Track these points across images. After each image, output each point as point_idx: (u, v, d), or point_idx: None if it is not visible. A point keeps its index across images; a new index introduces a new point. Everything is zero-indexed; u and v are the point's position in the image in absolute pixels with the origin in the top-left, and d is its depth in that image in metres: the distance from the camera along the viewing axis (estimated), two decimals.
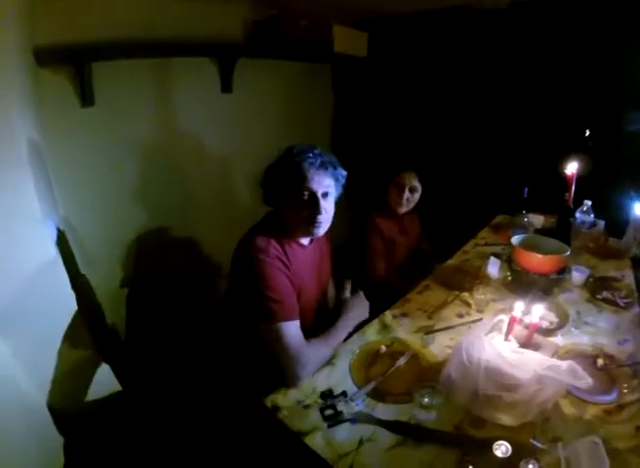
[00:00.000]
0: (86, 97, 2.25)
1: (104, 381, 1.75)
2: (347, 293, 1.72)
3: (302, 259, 1.55)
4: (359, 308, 1.65)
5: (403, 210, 2.24)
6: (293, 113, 3.48)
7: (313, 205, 1.46)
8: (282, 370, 1.36)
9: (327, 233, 1.61)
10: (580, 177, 2.23)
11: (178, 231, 2.85)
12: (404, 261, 2.33)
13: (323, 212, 1.47)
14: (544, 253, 1.90)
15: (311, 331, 1.48)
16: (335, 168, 1.52)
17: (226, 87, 2.91)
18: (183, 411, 2.08)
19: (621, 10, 2.63)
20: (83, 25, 2.13)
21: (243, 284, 1.44)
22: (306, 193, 1.45)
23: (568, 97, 3.03)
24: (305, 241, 1.59)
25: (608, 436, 1.18)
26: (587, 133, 3.12)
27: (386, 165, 2.31)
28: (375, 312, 1.73)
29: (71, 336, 1.58)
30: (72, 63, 2.15)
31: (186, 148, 2.82)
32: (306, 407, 1.27)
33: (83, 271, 1.99)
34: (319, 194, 1.47)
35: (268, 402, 1.29)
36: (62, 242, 1.78)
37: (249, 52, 2.87)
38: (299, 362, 1.35)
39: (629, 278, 2.09)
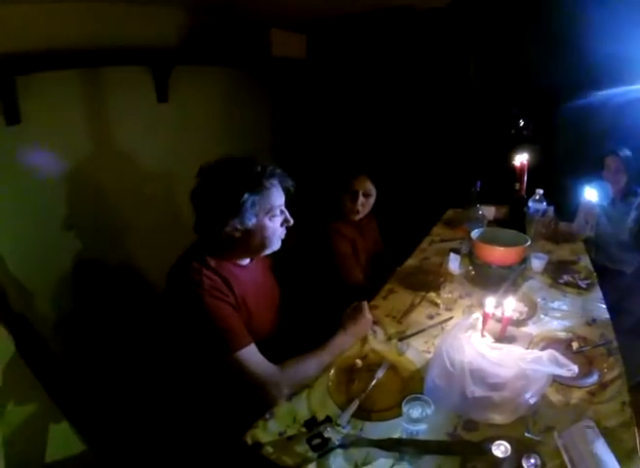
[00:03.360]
0: (11, 114, 2.12)
1: (65, 441, 1.60)
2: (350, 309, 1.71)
3: (244, 280, 1.53)
4: (359, 325, 1.65)
5: (359, 216, 2.29)
6: (233, 121, 3.48)
7: (284, 222, 1.52)
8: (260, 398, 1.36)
9: None
10: (529, 167, 2.39)
11: (118, 256, 2.72)
12: (366, 264, 2.38)
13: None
14: (503, 244, 2.00)
15: (271, 347, 1.50)
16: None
17: (162, 96, 2.84)
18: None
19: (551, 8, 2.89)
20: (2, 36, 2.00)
21: (184, 321, 1.43)
22: (279, 213, 1.49)
23: (508, 90, 3.27)
24: (245, 261, 1.58)
25: (597, 416, 1.26)
26: (521, 123, 3.36)
27: (336, 171, 2.36)
28: None
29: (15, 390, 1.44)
30: None
31: (124, 164, 2.72)
32: (290, 438, 1.24)
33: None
34: (285, 210, 1.52)
35: (248, 438, 1.24)
36: None
37: (185, 59, 2.83)
38: (269, 386, 1.36)
39: (585, 260, 2.26)
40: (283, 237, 1.55)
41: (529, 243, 1.99)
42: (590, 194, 2.58)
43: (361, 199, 2.23)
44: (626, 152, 2.55)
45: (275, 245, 1.54)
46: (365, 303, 1.71)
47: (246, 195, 1.38)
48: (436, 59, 3.40)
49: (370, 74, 3.63)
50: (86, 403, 2.21)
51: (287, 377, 1.39)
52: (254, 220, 1.42)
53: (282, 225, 1.51)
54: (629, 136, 2.76)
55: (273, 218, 1.47)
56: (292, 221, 1.53)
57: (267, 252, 1.55)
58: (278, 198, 1.47)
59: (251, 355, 1.38)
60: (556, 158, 3.13)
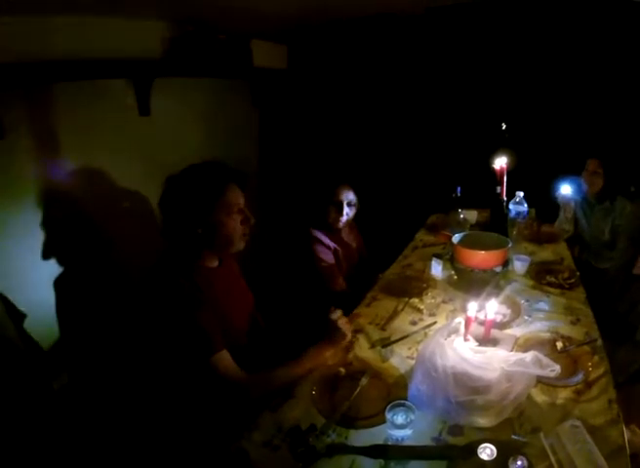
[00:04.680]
0: None
1: None
2: (334, 316, 1.66)
3: (215, 283, 1.56)
4: (336, 337, 1.63)
5: (343, 224, 2.33)
6: (216, 132, 3.47)
7: (244, 221, 1.56)
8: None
9: None
10: (509, 170, 2.42)
11: (101, 268, 2.68)
12: (349, 272, 2.38)
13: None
14: (486, 247, 2.01)
15: (244, 352, 1.55)
16: None
17: (144, 110, 2.84)
18: None
19: (527, 14, 2.97)
20: None
21: (162, 328, 1.48)
22: (237, 211, 1.53)
23: (486, 95, 3.35)
24: (214, 263, 1.61)
25: (584, 415, 1.26)
26: (504, 126, 3.41)
27: (319, 180, 2.40)
28: None
29: None
30: None
31: (106, 178, 2.69)
32: (275, 448, 1.22)
33: None
34: (244, 209, 1.57)
35: (234, 449, 1.23)
36: None
37: (166, 71, 2.82)
38: (237, 392, 1.43)
39: (568, 260, 2.27)
40: (246, 236, 1.58)
41: (510, 245, 2.00)
42: (565, 189, 2.61)
43: (346, 209, 2.27)
44: (608, 156, 2.57)
45: (238, 243, 1.57)
46: (339, 314, 1.65)
47: (203, 194, 1.46)
48: (416, 66, 3.47)
49: (351, 82, 3.69)
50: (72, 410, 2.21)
51: (256, 383, 1.45)
52: (212, 217, 1.48)
53: (242, 223, 1.55)
54: (613, 141, 2.81)
55: (231, 215, 1.51)
56: (253, 220, 1.57)
57: (232, 250, 1.59)
58: (235, 197, 1.53)
59: (223, 360, 1.43)
60: (537, 160, 3.17)
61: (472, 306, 1.56)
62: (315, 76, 3.78)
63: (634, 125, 2.88)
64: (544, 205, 2.79)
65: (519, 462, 1.08)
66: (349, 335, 1.66)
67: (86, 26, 2.38)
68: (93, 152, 2.62)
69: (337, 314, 1.65)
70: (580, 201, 2.69)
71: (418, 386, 1.34)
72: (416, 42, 3.37)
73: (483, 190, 2.60)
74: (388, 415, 1.22)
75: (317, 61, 3.71)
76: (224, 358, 1.43)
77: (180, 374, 1.56)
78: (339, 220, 2.28)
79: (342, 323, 1.64)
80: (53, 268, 2.46)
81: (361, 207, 2.36)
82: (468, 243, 2.08)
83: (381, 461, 1.17)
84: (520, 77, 3.20)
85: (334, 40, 3.55)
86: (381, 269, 2.33)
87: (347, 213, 2.28)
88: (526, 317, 1.79)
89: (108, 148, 2.69)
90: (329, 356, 1.59)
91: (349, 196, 2.28)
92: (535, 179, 2.87)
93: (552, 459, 1.12)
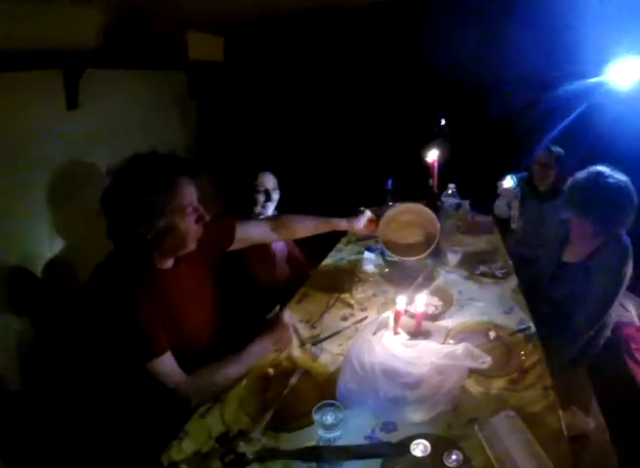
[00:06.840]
0: None
1: None
2: (287, 317, 1.63)
3: (167, 286, 1.46)
4: (276, 332, 1.58)
5: (265, 214, 2.21)
6: (153, 124, 3.29)
7: (198, 220, 1.42)
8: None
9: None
10: (442, 163, 2.43)
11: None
12: (279, 267, 2.30)
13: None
14: (414, 226, 2.05)
15: (209, 353, 1.48)
16: None
17: (72, 103, 2.62)
18: None
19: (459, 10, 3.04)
20: None
21: (101, 331, 1.40)
22: (191, 211, 1.40)
23: (423, 90, 3.41)
24: (167, 264, 1.48)
25: (520, 404, 1.25)
26: (442, 121, 3.45)
27: (243, 169, 2.31)
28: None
29: None
30: None
31: (27, 178, 2.45)
32: (205, 456, 1.17)
33: None
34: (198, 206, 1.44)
35: (164, 459, 1.18)
36: None
37: (98, 62, 2.61)
38: (177, 398, 1.35)
39: (502, 250, 2.32)
40: (199, 236, 1.45)
41: (438, 226, 1.98)
42: (507, 182, 2.62)
43: (263, 197, 2.19)
44: (559, 149, 2.61)
45: (190, 245, 1.44)
46: (285, 312, 1.65)
47: (153, 197, 1.30)
48: (352, 58, 3.48)
49: (287, 74, 3.69)
50: None
51: (197, 388, 1.37)
52: (164, 222, 1.33)
53: (197, 222, 1.42)
54: (564, 136, 2.87)
55: (185, 218, 1.37)
56: (207, 217, 1.43)
57: (183, 252, 1.46)
58: (188, 195, 1.39)
59: (162, 365, 1.34)
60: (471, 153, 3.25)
61: (401, 299, 1.55)
62: (252, 68, 3.74)
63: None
64: (478, 197, 2.82)
65: (454, 456, 1.07)
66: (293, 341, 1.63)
67: (10, 12, 2.13)
68: (15, 147, 2.40)
69: (288, 316, 1.63)
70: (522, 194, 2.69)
71: (346, 385, 1.30)
72: (353, 35, 3.39)
73: (415, 183, 2.60)
74: (317, 416, 1.16)
75: (254, 53, 3.67)
76: (165, 363, 1.34)
77: (116, 381, 1.50)
78: (263, 209, 2.19)
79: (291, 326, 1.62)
80: None
81: (295, 203, 2.28)
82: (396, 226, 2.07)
83: (314, 464, 1.12)
84: (456, 71, 3.24)
85: (272, 33, 3.52)
86: (313, 265, 2.28)
87: (273, 199, 2.21)
88: (459, 308, 1.78)
89: (31, 144, 2.46)
90: (270, 352, 1.55)
91: (266, 184, 2.20)
92: (468, 172, 2.91)
93: (488, 451, 1.09)
